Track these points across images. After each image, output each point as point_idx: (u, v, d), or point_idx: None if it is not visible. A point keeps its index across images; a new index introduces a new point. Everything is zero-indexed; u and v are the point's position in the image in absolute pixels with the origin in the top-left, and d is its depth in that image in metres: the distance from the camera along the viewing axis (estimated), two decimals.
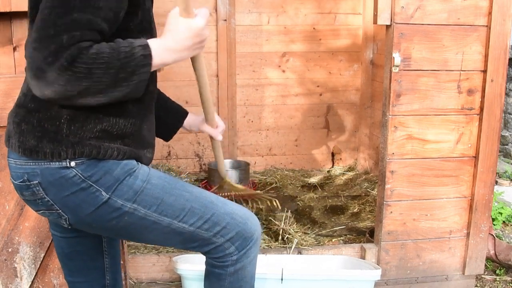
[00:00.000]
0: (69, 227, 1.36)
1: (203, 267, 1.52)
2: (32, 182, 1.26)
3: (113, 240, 1.62)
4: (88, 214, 1.29)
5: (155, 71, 1.38)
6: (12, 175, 1.32)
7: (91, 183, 1.26)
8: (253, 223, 1.45)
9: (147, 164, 1.41)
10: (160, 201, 1.32)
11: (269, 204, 3.02)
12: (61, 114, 1.23)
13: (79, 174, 1.25)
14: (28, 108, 1.26)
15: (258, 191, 3.07)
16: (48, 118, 1.24)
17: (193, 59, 1.46)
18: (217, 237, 1.39)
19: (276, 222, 2.86)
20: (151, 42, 1.20)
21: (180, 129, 1.75)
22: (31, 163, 1.25)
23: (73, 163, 1.24)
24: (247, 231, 1.43)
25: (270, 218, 2.97)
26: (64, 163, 1.24)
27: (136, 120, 1.33)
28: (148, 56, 1.18)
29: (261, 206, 2.99)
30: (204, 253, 1.45)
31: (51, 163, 1.24)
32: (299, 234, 2.73)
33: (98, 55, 1.10)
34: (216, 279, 1.46)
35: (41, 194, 1.27)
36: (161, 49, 1.21)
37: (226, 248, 1.41)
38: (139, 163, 1.36)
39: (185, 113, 1.72)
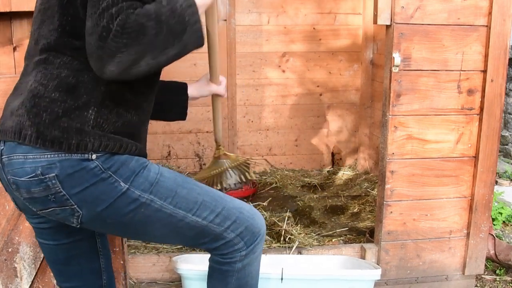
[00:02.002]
0: (78, 226, 1.33)
1: (203, 267, 1.52)
2: (47, 176, 1.23)
3: (105, 241, 1.61)
4: (105, 208, 1.28)
5: (156, 81, 1.41)
6: (16, 173, 1.25)
7: (110, 173, 1.26)
8: (260, 219, 1.47)
9: None
10: (174, 193, 1.34)
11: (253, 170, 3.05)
12: (89, 105, 1.24)
13: (99, 166, 1.25)
14: (51, 98, 1.24)
15: (250, 158, 3.15)
16: (75, 108, 1.23)
17: (207, 11, 1.51)
18: (227, 232, 1.40)
19: (279, 223, 2.86)
20: None
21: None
22: (48, 155, 1.22)
23: (94, 156, 1.24)
24: (255, 226, 1.44)
25: (272, 218, 2.98)
26: (86, 155, 1.23)
27: (144, 119, 1.36)
28: None
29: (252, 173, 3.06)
30: (212, 250, 1.45)
31: (72, 155, 1.23)
32: (302, 236, 2.73)
33: (144, 10, 1.12)
34: (222, 276, 1.46)
35: (57, 188, 1.24)
36: None
37: (236, 243, 1.42)
38: (147, 160, 1.38)
39: (184, 85, 1.74)
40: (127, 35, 1.09)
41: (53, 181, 1.23)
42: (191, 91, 1.76)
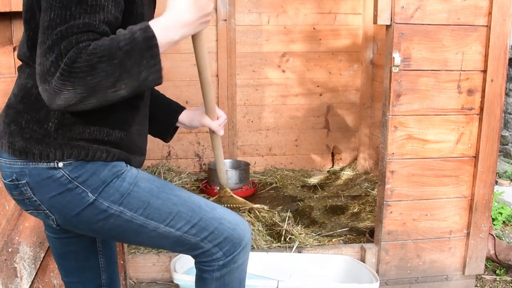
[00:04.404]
0: (58, 227, 1.36)
1: None
2: (20, 182, 1.27)
3: (107, 241, 1.61)
4: (74, 215, 1.29)
5: None
6: (2, 174, 1.32)
7: (77, 184, 1.25)
8: (242, 229, 1.44)
9: (138, 167, 1.40)
10: (146, 204, 1.31)
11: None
12: (48, 118, 1.23)
13: (66, 175, 1.25)
14: (17, 109, 1.27)
15: (257, 205, 3.05)
16: (36, 121, 1.24)
17: (194, 38, 1.41)
18: (204, 242, 1.38)
19: (280, 224, 2.86)
20: (152, 22, 1.17)
21: (181, 128, 1.71)
22: (19, 163, 1.26)
23: (61, 164, 1.24)
24: (236, 237, 1.41)
25: (273, 219, 2.98)
26: (52, 164, 1.24)
27: (125, 126, 1.32)
28: (151, 37, 1.14)
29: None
30: (192, 257, 1.45)
31: (39, 163, 1.24)
32: (303, 236, 2.73)
33: (97, 49, 1.07)
34: (203, 283, 1.45)
35: (29, 194, 1.28)
36: (165, 26, 1.19)
37: (214, 253, 1.40)
38: (128, 165, 1.34)
39: (179, 109, 1.66)
40: (75, 74, 1.05)
41: (25, 187, 1.27)
42: (183, 117, 1.65)
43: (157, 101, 1.63)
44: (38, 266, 2.09)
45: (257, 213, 3.04)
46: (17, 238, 2.04)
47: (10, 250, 2.05)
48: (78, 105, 1.11)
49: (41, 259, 2.09)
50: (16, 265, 2.06)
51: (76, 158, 1.24)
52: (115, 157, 1.30)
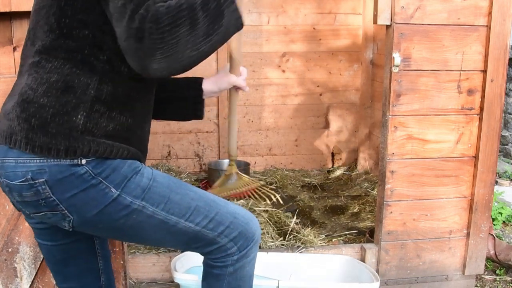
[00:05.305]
0: (70, 230, 1.33)
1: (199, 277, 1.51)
2: (37, 181, 1.22)
3: (104, 242, 1.60)
4: (96, 214, 1.27)
5: (153, 81, 1.39)
6: (8, 176, 1.25)
7: (101, 179, 1.24)
8: (254, 223, 1.46)
9: None
10: (167, 199, 1.32)
11: (269, 200, 2.88)
12: (77, 110, 1.22)
13: (89, 171, 1.23)
14: (40, 103, 1.22)
15: (261, 182, 2.98)
16: (63, 113, 1.21)
17: None
18: (221, 237, 1.39)
19: (283, 224, 2.86)
20: None
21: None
22: (37, 160, 1.22)
23: (84, 161, 1.22)
24: (249, 231, 1.43)
25: (274, 218, 2.98)
26: (76, 161, 1.22)
27: (141, 121, 1.34)
28: None
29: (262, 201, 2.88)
30: (204, 254, 1.45)
31: (61, 160, 1.21)
32: (311, 237, 2.73)
33: (174, 1, 1.09)
34: (214, 279, 1.45)
35: (46, 193, 1.24)
36: None
37: (229, 248, 1.41)
38: (142, 163, 1.36)
39: (199, 80, 1.63)
40: (161, 29, 1.06)
41: (43, 186, 1.23)
42: (208, 85, 1.62)
43: (175, 84, 1.61)
44: (38, 266, 2.09)
45: (263, 214, 3.04)
46: (17, 238, 2.04)
47: (10, 250, 2.05)
48: (174, 65, 1.11)
49: (41, 259, 2.09)
50: (16, 265, 2.06)
51: (102, 154, 1.24)
52: (133, 155, 1.31)
